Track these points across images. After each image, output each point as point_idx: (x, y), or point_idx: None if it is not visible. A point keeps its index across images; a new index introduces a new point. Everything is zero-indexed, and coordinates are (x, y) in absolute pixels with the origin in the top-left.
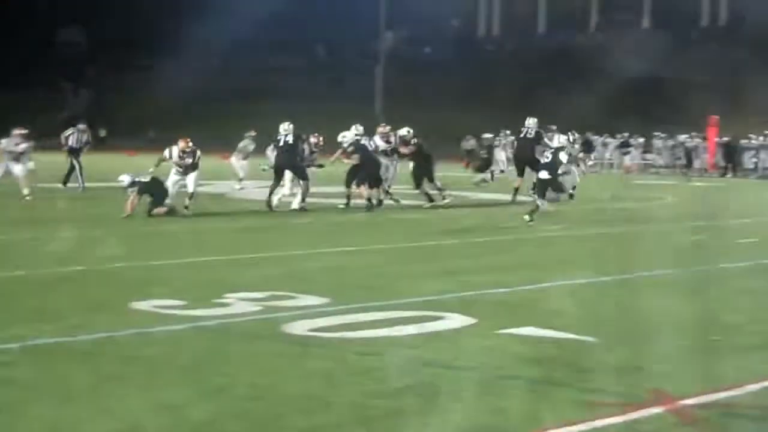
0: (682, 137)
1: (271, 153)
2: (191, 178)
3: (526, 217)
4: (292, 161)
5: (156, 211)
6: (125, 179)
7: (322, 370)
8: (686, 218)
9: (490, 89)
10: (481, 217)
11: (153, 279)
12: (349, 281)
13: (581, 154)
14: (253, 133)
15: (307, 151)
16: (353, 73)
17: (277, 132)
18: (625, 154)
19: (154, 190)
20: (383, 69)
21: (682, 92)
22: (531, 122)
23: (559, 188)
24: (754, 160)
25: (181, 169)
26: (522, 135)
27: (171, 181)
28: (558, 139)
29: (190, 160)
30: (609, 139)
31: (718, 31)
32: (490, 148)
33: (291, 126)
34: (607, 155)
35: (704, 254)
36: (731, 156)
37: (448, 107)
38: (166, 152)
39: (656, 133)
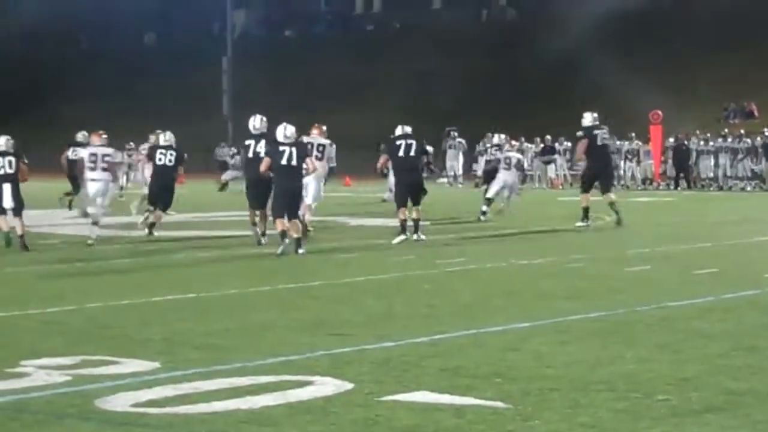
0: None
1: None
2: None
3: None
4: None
5: None
6: None
7: None
8: (628, 244)
9: (377, 82)
10: (361, 247)
11: None
12: (183, 339)
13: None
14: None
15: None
16: (193, 64)
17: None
18: (548, 163)
19: None
20: (231, 58)
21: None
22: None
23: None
24: (712, 166)
25: None
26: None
27: None
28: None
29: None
30: (526, 144)
31: None
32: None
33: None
34: (525, 165)
35: (649, 290)
36: (684, 163)
37: (323, 107)
38: None
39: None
